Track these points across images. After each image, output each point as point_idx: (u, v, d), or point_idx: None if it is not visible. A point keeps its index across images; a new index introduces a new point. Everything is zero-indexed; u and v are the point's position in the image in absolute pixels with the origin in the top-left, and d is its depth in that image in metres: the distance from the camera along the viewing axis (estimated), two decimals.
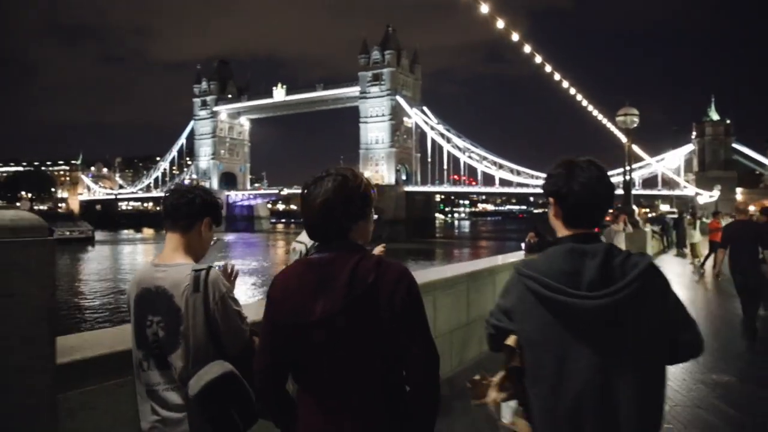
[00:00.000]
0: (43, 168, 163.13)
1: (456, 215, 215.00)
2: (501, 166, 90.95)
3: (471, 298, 6.04)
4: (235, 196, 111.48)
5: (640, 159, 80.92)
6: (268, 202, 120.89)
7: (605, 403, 1.56)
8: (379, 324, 1.54)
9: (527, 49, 24.45)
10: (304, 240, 3.44)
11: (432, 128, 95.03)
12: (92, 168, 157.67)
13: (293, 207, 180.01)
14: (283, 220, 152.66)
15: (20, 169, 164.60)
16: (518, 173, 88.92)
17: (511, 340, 1.71)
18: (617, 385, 1.56)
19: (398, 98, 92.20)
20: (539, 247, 7.99)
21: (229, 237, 77.46)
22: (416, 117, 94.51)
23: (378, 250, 2.93)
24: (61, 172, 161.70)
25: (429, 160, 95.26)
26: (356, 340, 1.54)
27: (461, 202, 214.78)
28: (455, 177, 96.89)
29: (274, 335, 1.62)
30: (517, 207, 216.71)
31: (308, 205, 1.65)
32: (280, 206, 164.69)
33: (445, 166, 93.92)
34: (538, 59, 24.90)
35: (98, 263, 40.07)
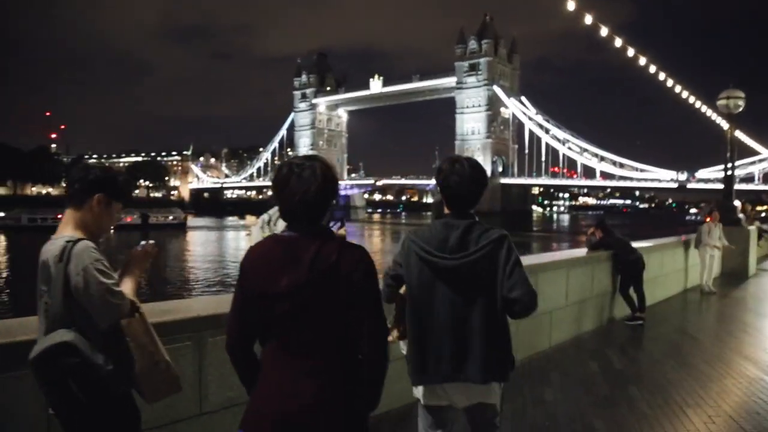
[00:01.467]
0: (158, 158, 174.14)
1: (555, 209, 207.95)
2: (602, 158, 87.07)
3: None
4: None
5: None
6: (364, 192, 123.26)
7: (459, 327, 2.29)
8: (338, 298, 1.73)
9: (617, 40, 23.42)
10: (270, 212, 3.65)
11: (530, 119, 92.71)
12: (201, 158, 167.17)
13: (389, 197, 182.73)
14: (379, 210, 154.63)
15: (139, 159, 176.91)
16: (621, 165, 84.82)
17: (402, 290, 2.46)
18: (469, 316, 2.29)
19: (495, 88, 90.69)
20: (605, 245, 7.86)
21: None
22: (514, 107, 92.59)
23: (339, 232, 2.96)
24: (174, 162, 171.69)
25: (526, 151, 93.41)
26: (317, 311, 1.72)
27: (560, 195, 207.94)
28: (554, 169, 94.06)
29: (244, 303, 1.80)
30: (620, 201, 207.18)
31: (290, 194, 1.76)
32: (377, 196, 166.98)
33: (543, 158, 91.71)
34: (631, 52, 23.77)
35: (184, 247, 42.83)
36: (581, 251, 8.08)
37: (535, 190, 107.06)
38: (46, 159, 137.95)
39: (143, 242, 2.27)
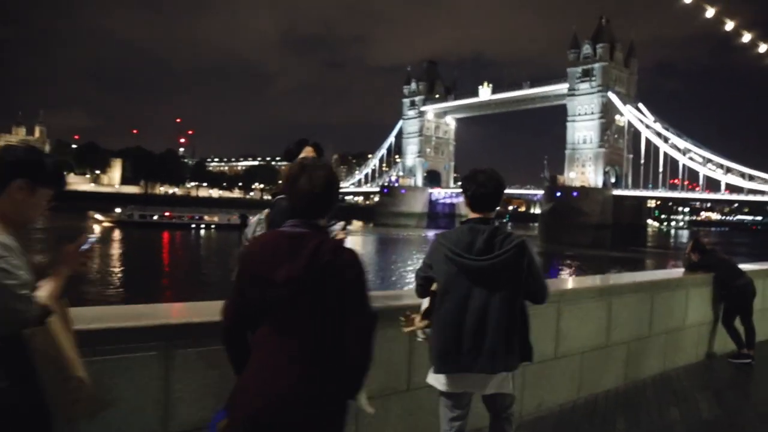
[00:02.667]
0: (273, 162, 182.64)
1: (673, 224, 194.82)
2: (729, 170, 79.34)
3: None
4: (438, 193, 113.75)
5: None
6: None
7: (479, 322, 2.62)
8: (329, 294, 1.89)
9: (762, 46, 21.04)
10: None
11: (647, 127, 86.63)
12: None
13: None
14: None
15: (255, 163, 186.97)
16: (751, 178, 76.86)
17: (434, 287, 2.78)
18: (488, 312, 2.62)
19: (610, 95, 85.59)
20: (705, 266, 6.74)
21: (430, 233, 79.42)
22: (629, 114, 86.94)
23: (339, 233, 2.93)
24: (285, 166, 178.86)
25: (642, 161, 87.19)
26: (308, 302, 1.88)
27: (680, 209, 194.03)
28: (673, 181, 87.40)
29: (242, 289, 1.95)
30: (749, 217, 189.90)
31: (300, 190, 1.96)
32: None
33: (661, 169, 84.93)
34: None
35: None
36: (676, 272, 7.03)
37: (651, 203, 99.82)
38: (173, 161, 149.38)
39: (92, 237, 2.11)
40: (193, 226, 58.80)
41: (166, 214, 62.82)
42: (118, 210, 65.40)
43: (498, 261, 2.61)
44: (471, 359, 2.63)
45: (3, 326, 1.73)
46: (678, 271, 6.97)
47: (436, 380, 2.79)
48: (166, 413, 2.76)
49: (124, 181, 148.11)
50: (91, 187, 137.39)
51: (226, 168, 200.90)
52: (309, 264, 1.86)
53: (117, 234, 51.17)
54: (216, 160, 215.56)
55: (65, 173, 2.08)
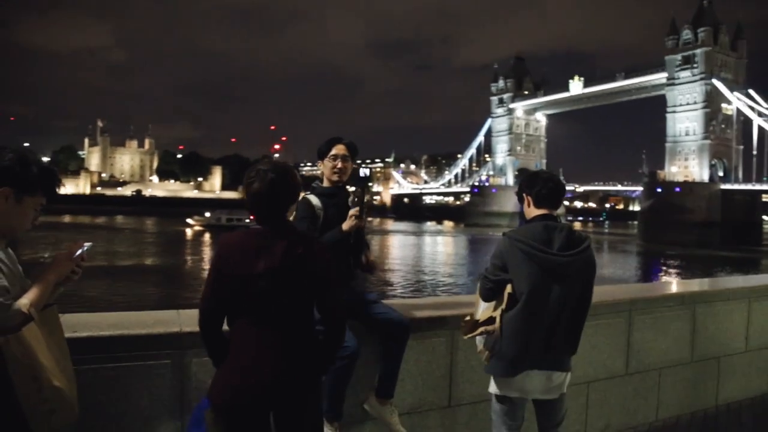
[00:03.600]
0: (362, 165, 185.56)
1: None
2: None
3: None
4: None
5: None
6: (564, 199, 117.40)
7: (560, 315, 2.58)
8: (304, 281, 2.06)
9: None
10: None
11: (760, 114, 79.86)
12: (402, 165, 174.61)
13: (592, 204, 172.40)
14: (580, 218, 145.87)
15: None
16: None
17: (509, 289, 2.60)
18: (569, 309, 2.60)
19: (714, 81, 79.43)
20: None
21: None
22: (738, 102, 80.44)
23: (351, 211, 2.96)
24: (377, 169, 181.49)
25: (755, 152, 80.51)
26: (285, 292, 2.03)
27: None
28: None
29: (218, 283, 2.07)
30: None
31: (252, 195, 2.10)
32: (578, 203, 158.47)
33: None
34: None
35: None
36: None
37: (766, 198, 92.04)
38: None
39: (87, 244, 2.07)
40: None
41: (251, 217, 65.88)
42: (207, 214, 69.05)
43: (581, 257, 2.59)
44: (542, 356, 2.61)
45: None
46: None
47: (499, 386, 2.73)
48: (182, 423, 2.70)
49: (224, 187, 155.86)
50: (194, 193, 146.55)
51: (319, 172, 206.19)
52: (285, 255, 2.02)
53: (206, 236, 54.26)
54: (309, 164, 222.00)
55: (58, 180, 2.01)
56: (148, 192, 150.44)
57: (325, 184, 3.19)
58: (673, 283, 6.40)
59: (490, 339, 2.70)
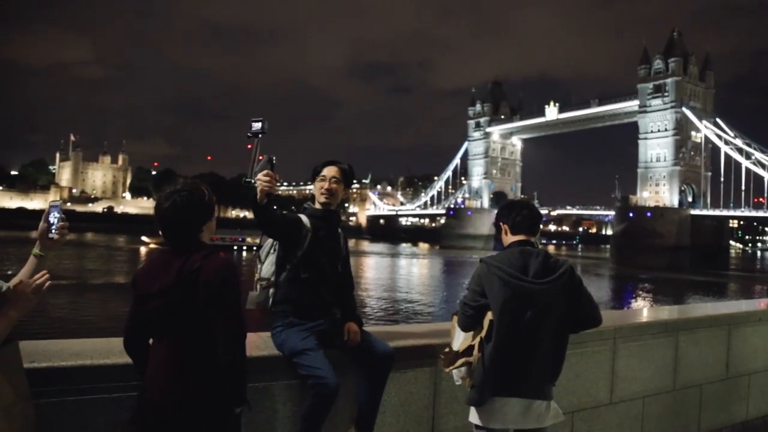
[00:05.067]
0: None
1: (759, 245, 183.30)
2: None
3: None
4: None
5: None
6: None
7: (536, 342, 2.56)
8: (197, 299, 2.02)
9: None
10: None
11: (726, 143, 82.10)
12: (378, 186, 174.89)
13: (565, 228, 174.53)
14: (554, 241, 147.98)
15: None
16: None
17: (489, 316, 2.56)
18: (545, 334, 2.57)
19: (684, 110, 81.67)
20: None
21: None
22: (707, 130, 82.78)
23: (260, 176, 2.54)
24: (353, 190, 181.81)
25: (722, 179, 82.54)
26: (180, 310, 2.04)
27: (766, 229, 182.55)
28: (758, 199, 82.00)
29: (134, 303, 2.16)
30: None
31: (159, 217, 2.15)
32: (552, 227, 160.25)
33: (744, 187, 79.96)
34: None
35: None
36: (760, 300, 6.22)
37: (734, 224, 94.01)
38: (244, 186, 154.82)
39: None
40: (236, 248, 59.79)
41: (235, 238, 64.73)
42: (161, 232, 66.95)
43: (557, 284, 2.56)
44: (519, 385, 2.58)
45: None
46: (765, 301, 6.15)
47: (479, 415, 2.65)
48: None
49: None
50: None
51: (295, 192, 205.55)
52: (179, 273, 2.04)
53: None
54: (285, 184, 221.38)
55: None
56: (120, 209, 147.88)
57: (316, 206, 3.08)
58: (656, 310, 6.37)
59: (470, 368, 2.65)
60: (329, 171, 3.07)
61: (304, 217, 2.97)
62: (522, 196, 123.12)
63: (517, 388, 2.58)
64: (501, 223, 2.83)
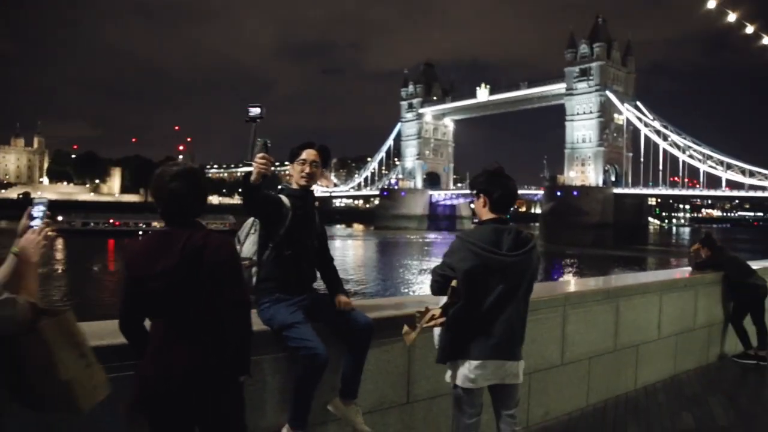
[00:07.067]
0: (272, 168, 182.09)
1: (674, 221, 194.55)
2: (729, 167, 78.96)
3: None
4: (438, 195, 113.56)
5: None
6: (470, 202, 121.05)
7: (507, 309, 2.80)
8: (203, 275, 2.08)
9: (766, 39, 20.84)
10: None
11: (646, 125, 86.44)
12: None
13: None
14: None
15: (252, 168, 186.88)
16: (751, 174, 76.67)
17: (454, 283, 2.79)
18: (514, 303, 2.82)
19: (608, 93, 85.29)
20: (714, 264, 6.54)
21: (431, 236, 79.23)
22: (628, 113, 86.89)
23: (257, 158, 2.70)
24: (286, 172, 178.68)
25: (642, 159, 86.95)
26: (186, 288, 2.08)
27: (681, 206, 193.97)
28: (673, 179, 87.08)
29: (129, 285, 2.19)
30: (750, 213, 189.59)
31: (160, 198, 2.17)
32: None
33: (661, 167, 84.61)
34: None
35: None
36: (682, 270, 6.82)
37: (652, 201, 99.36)
38: None
39: (37, 203, 2.06)
40: (141, 232, 56.86)
41: (111, 221, 62.23)
42: (60, 218, 60.39)
43: (527, 256, 2.84)
44: (496, 347, 2.79)
45: None
46: (685, 270, 6.76)
47: (458, 375, 2.86)
48: None
49: (124, 189, 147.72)
50: (90, 196, 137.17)
51: (226, 174, 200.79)
52: (182, 253, 2.07)
53: (59, 242, 46.51)
54: (215, 166, 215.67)
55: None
56: (37, 194, 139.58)
57: (294, 186, 3.19)
58: (599, 279, 6.86)
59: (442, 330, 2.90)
60: (309, 155, 3.16)
61: (284, 197, 3.11)
62: (454, 177, 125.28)
63: (490, 350, 2.79)
64: (481, 194, 2.94)
